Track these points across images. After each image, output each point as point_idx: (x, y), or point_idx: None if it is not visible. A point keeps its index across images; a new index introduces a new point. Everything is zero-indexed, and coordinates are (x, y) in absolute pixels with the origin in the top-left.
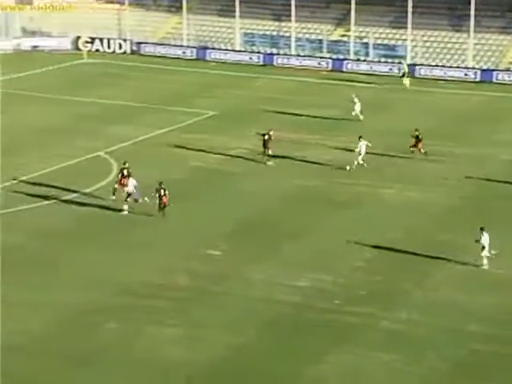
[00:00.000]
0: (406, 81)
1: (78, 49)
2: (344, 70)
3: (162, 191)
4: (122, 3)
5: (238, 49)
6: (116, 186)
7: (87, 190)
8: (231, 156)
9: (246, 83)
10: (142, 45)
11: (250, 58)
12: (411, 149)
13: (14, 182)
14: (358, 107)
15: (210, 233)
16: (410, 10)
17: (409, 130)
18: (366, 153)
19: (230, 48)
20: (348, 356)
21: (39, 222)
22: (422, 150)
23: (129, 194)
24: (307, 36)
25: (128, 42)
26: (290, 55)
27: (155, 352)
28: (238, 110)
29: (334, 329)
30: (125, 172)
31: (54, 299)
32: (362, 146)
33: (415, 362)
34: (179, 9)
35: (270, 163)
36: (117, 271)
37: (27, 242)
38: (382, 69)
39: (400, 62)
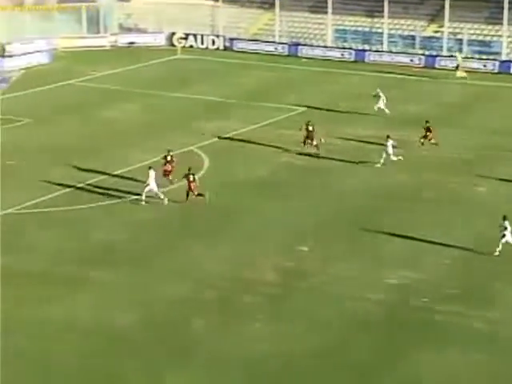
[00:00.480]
0: (461, 73)
1: (172, 45)
2: (437, 66)
3: (191, 177)
4: (216, 0)
5: (329, 45)
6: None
7: (181, 183)
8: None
9: (338, 79)
10: (235, 41)
11: (342, 55)
12: (421, 140)
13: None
14: (382, 101)
15: (299, 229)
16: (506, 5)
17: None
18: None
19: (321, 44)
20: (441, 355)
21: (135, 213)
22: (433, 141)
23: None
24: (400, 32)
25: (221, 38)
26: (382, 51)
27: (242, 347)
28: (329, 106)
29: (425, 327)
30: (168, 158)
31: (148, 291)
32: (389, 145)
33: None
34: (272, 5)
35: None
36: (206, 265)
37: (119, 234)
38: (475, 65)
39: (494, 59)
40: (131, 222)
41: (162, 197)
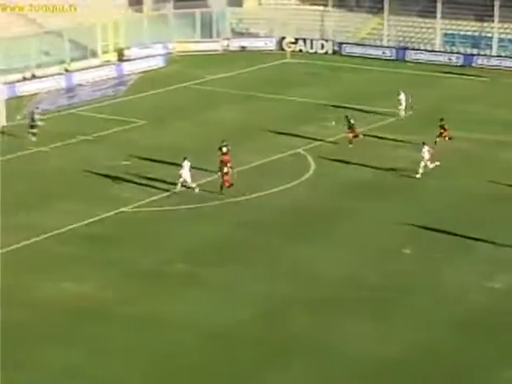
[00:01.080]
0: None
1: (282, 49)
2: None
3: (226, 169)
4: (326, 5)
5: (437, 49)
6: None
7: (288, 185)
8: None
9: (445, 83)
10: (343, 45)
11: (449, 59)
12: (436, 139)
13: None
14: (403, 103)
15: (402, 231)
16: None
17: None
18: None
19: (429, 48)
20: None
21: (244, 213)
22: (447, 138)
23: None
24: (510, 37)
25: (330, 42)
26: (491, 56)
27: (345, 347)
28: (435, 110)
29: None
30: (224, 149)
31: (255, 290)
32: (425, 151)
33: None
34: (380, 10)
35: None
36: (309, 266)
37: (233, 233)
38: None
39: None
40: (239, 223)
41: (194, 186)
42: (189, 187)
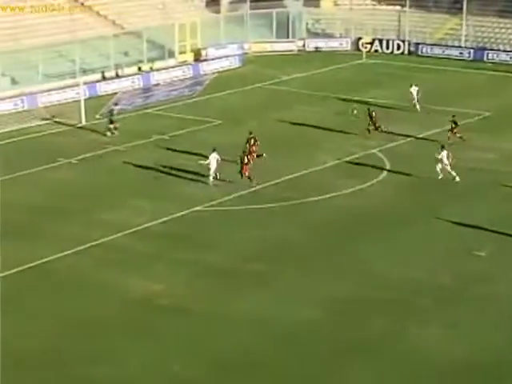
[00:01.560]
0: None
1: (357, 49)
2: None
3: (246, 159)
4: (403, 5)
5: None
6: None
7: (361, 186)
8: (498, 156)
9: None
10: (420, 45)
11: None
12: (448, 135)
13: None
14: (415, 97)
15: (475, 233)
16: None
17: None
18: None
19: (508, 49)
20: None
21: (315, 214)
22: (458, 135)
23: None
24: None
25: (406, 42)
26: None
27: (416, 350)
28: None
29: None
30: (252, 141)
31: (324, 290)
32: (444, 155)
33: None
34: (459, 10)
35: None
36: (379, 266)
37: (303, 233)
38: None
39: None
40: (309, 223)
41: (218, 177)
42: (214, 177)
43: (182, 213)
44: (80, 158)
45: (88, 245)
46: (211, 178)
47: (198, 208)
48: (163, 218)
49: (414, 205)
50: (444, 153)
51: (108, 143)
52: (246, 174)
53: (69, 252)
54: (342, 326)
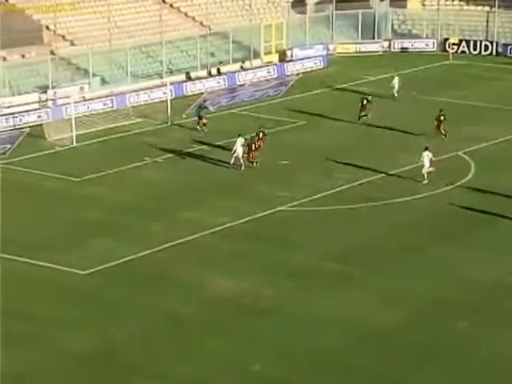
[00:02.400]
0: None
1: (444, 50)
2: None
3: (253, 146)
4: (492, 5)
5: None
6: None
7: (446, 188)
8: None
9: None
10: (509, 46)
11: None
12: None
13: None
14: (396, 86)
15: None
16: None
17: None
18: None
19: None
20: None
21: (400, 215)
22: (443, 132)
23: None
24: None
25: (494, 43)
26: None
27: (502, 352)
28: None
29: None
30: (261, 134)
31: (406, 291)
32: (425, 157)
33: None
34: None
35: None
36: (463, 268)
37: (388, 234)
38: None
39: None
40: (394, 224)
41: (241, 162)
42: (238, 164)
43: (266, 212)
44: (165, 157)
45: (173, 243)
46: (232, 161)
47: (281, 208)
48: (247, 217)
49: (500, 206)
50: (425, 153)
51: (193, 142)
52: (250, 158)
53: (153, 250)
54: (429, 326)
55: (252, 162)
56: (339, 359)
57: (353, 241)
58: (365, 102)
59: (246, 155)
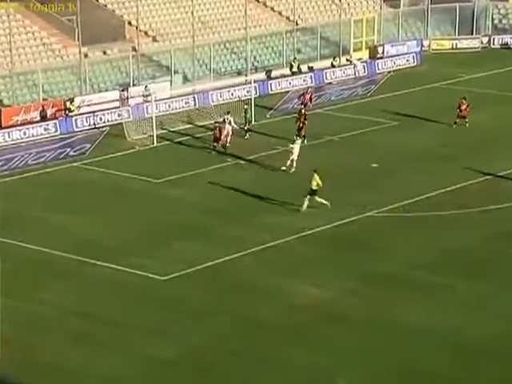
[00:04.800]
0: None
1: None
2: None
3: (223, 131)
4: None
5: None
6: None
7: None
8: None
9: None
10: None
11: None
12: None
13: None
14: None
15: None
16: None
17: None
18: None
19: None
20: None
21: (496, 223)
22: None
23: None
24: None
25: None
26: None
27: None
28: None
29: None
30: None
31: (499, 301)
32: (296, 146)
33: None
34: None
35: None
36: None
37: (482, 243)
38: None
39: None
40: (489, 233)
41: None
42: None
43: (354, 218)
44: (248, 158)
45: (255, 248)
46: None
47: (370, 213)
48: (334, 222)
49: None
50: (297, 145)
51: (275, 144)
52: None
53: (237, 255)
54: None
55: (224, 147)
56: (426, 369)
57: (444, 248)
58: (462, 103)
59: None
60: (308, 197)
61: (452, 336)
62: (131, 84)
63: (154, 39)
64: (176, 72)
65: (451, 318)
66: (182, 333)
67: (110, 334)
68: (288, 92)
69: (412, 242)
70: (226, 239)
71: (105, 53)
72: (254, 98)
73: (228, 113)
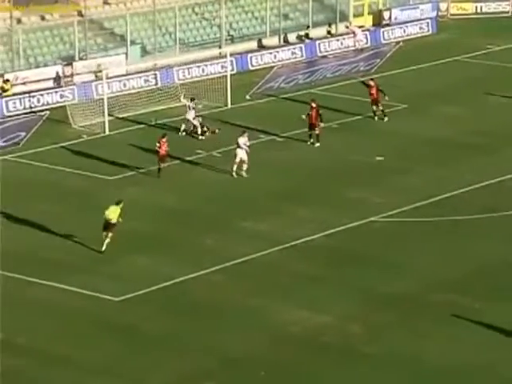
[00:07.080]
0: None
1: None
2: None
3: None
4: None
5: None
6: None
7: None
8: None
9: None
10: None
11: None
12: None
13: None
14: None
15: None
16: None
17: None
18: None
19: None
20: None
21: None
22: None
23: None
24: None
25: None
26: None
27: None
28: None
29: None
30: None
31: None
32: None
33: None
34: None
35: None
36: None
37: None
38: None
39: None
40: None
41: None
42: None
43: (354, 224)
44: (225, 149)
45: (232, 262)
46: None
47: (374, 218)
48: (330, 230)
49: None
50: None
51: (262, 132)
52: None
53: (207, 270)
54: None
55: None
56: None
57: (463, 261)
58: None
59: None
60: (104, 233)
61: (488, 376)
62: (77, 57)
63: (106, 1)
64: (133, 43)
65: (484, 354)
66: (136, 372)
67: (44, 373)
68: (273, 68)
69: (430, 254)
70: (195, 251)
71: (43, 18)
72: (231, 75)
73: (192, 100)
